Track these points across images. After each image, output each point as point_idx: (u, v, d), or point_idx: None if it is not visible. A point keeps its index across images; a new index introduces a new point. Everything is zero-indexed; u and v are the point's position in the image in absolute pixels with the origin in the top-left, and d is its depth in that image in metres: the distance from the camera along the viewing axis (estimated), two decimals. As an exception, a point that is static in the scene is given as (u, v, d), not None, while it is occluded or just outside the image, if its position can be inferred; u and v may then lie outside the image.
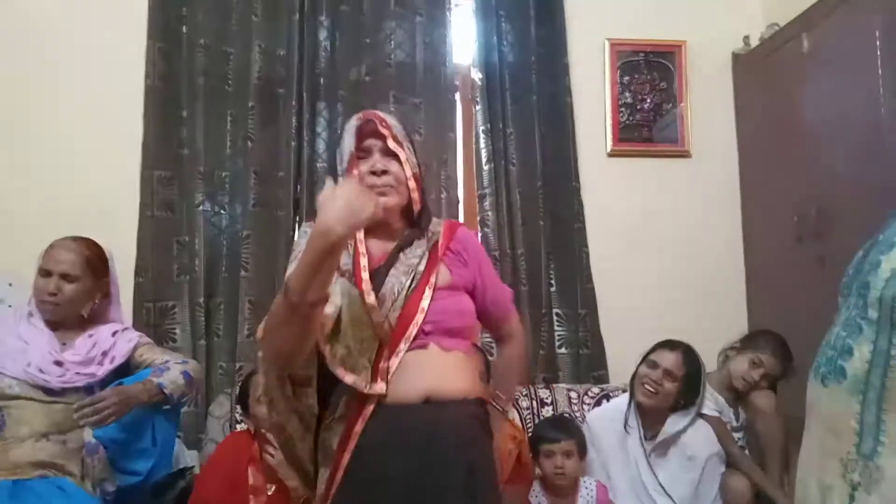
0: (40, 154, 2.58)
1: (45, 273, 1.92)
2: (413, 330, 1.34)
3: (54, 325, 1.94)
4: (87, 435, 1.87)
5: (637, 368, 2.22)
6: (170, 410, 1.95)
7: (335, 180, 1.31)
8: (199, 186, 2.61)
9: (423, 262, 1.40)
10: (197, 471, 2.22)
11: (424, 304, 1.36)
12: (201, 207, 2.61)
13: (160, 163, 2.61)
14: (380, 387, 1.30)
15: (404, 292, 1.36)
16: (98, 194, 2.56)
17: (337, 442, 1.30)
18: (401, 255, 1.41)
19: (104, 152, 2.60)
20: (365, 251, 1.38)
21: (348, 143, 1.39)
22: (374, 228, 1.38)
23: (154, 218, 2.58)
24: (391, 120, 1.43)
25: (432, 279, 1.39)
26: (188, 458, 2.30)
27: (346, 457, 1.28)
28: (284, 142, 2.68)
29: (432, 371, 1.36)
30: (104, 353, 1.93)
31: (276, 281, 2.63)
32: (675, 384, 2.14)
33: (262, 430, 1.90)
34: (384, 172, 1.38)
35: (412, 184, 1.41)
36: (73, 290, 1.93)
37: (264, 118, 2.67)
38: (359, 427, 1.29)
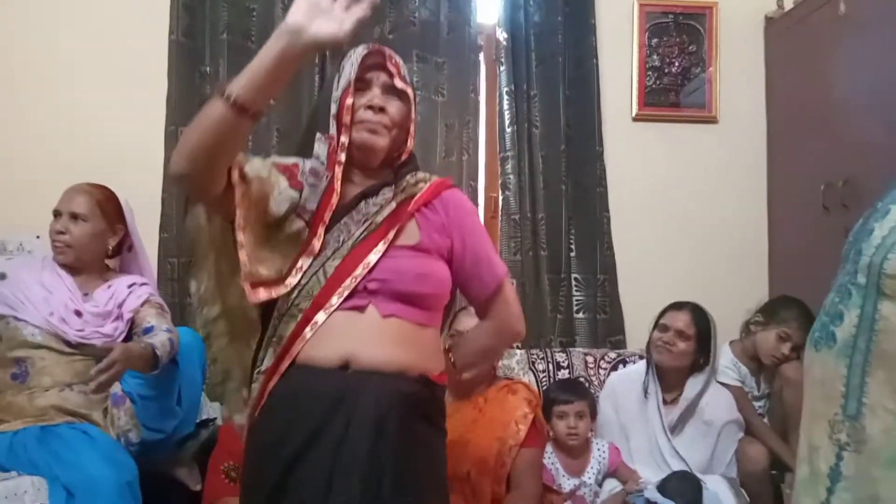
0: (65, 110, 2.59)
1: (56, 214, 1.95)
2: (350, 283, 1.20)
3: (75, 271, 1.96)
4: (114, 387, 1.92)
5: (650, 335, 2.24)
6: (197, 361, 1.99)
7: (324, 111, 1.27)
8: (222, 144, 2.62)
9: (384, 213, 1.27)
10: (220, 423, 2.28)
11: (372, 258, 1.22)
12: (224, 165, 2.62)
13: (184, 119, 2.60)
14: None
15: (350, 242, 1.24)
16: (123, 150, 2.58)
17: (257, 392, 1.23)
18: (362, 203, 1.28)
19: (129, 108, 2.61)
20: (339, 190, 1.25)
21: (348, 70, 1.27)
22: (352, 171, 1.29)
23: (178, 174, 2.59)
24: (398, 59, 1.32)
25: (391, 234, 1.25)
26: (210, 409, 2.36)
27: (256, 412, 1.22)
28: (307, 100, 2.67)
29: (360, 334, 1.20)
30: (120, 306, 1.94)
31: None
32: (688, 343, 2.16)
33: None
34: (381, 110, 1.26)
35: (412, 129, 1.32)
36: (82, 230, 1.93)
37: (287, 76, 2.66)
38: (272, 384, 1.21)
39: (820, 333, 1.16)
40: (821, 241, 2.51)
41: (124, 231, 2.04)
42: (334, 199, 1.25)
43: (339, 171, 1.25)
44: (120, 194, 2.07)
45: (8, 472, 1.71)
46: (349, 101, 1.25)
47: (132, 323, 1.95)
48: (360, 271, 1.22)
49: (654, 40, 2.90)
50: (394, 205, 1.29)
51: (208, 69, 2.64)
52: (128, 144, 2.59)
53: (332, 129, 1.26)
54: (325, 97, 1.30)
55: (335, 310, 1.20)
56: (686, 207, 2.88)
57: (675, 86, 2.91)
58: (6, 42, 2.58)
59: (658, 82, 2.90)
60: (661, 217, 2.87)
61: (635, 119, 2.89)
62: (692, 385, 2.19)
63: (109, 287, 1.97)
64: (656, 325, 2.24)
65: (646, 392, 2.21)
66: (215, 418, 2.31)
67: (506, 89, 2.76)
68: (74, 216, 1.94)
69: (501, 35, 2.81)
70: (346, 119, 1.24)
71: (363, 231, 1.25)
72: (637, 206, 2.85)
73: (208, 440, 2.16)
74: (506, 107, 2.77)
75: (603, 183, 2.81)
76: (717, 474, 2.13)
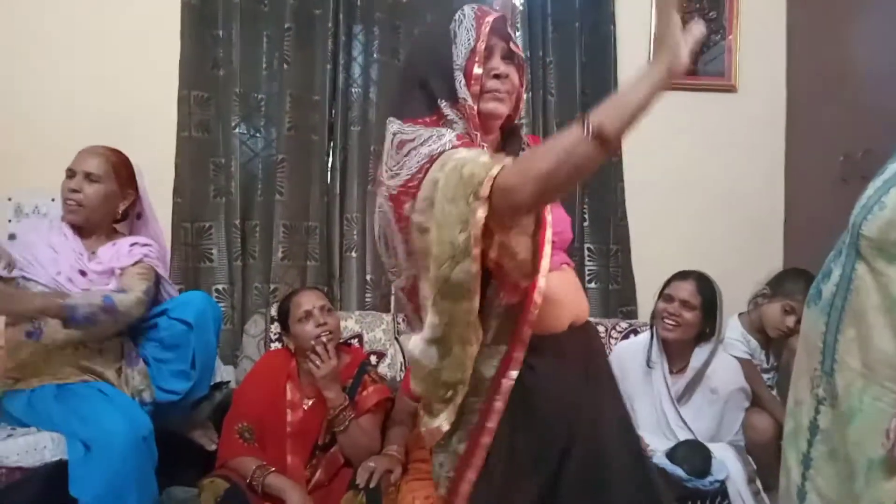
0: (79, 74, 2.58)
1: (70, 173, 1.96)
2: (548, 247, 1.20)
3: (84, 232, 1.97)
4: (128, 347, 1.95)
5: (655, 305, 2.23)
6: (212, 325, 2.01)
7: (441, 77, 1.20)
8: (235, 108, 2.61)
9: None
10: (233, 385, 2.31)
11: (547, 216, 1.21)
12: (237, 130, 2.62)
13: (197, 83, 2.60)
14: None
15: None
16: (136, 114, 2.57)
17: (495, 369, 1.18)
18: None
19: (142, 71, 2.60)
20: None
21: (466, 37, 1.22)
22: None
23: (191, 139, 2.59)
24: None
25: None
26: (224, 372, 2.39)
27: (507, 384, 1.17)
28: (320, 65, 2.65)
29: (569, 292, 1.28)
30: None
31: (309, 205, 2.66)
32: (693, 313, 2.15)
33: (313, 343, 1.96)
34: (505, 77, 1.24)
35: (523, 92, 1.31)
36: (95, 190, 1.95)
37: (300, 40, 2.63)
38: (518, 354, 1.17)
39: (813, 291, 1.18)
40: (838, 214, 2.45)
41: (135, 196, 2.05)
42: None
43: (480, 137, 1.23)
44: (133, 158, 2.07)
45: (28, 428, 1.76)
46: (478, 70, 1.21)
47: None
48: (548, 232, 1.20)
49: (674, 6, 2.84)
50: None
51: (221, 32, 2.62)
52: (141, 108, 2.59)
53: (469, 100, 1.20)
54: (435, 64, 1.23)
55: (548, 272, 1.20)
56: (702, 178, 2.85)
57: (694, 53, 2.85)
58: (21, 7, 2.57)
59: (676, 49, 2.84)
60: (677, 187, 2.84)
61: (652, 87, 2.84)
62: (699, 355, 2.18)
63: (114, 245, 1.98)
64: (661, 296, 2.23)
65: (649, 362, 2.21)
66: (229, 381, 2.35)
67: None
68: (88, 176, 1.95)
69: (518, 0, 2.77)
70: (476, 88, 1.21)
71: None
72: (652, 176, 2.83)
73: (222, 402, 2.20)
74: (521, 73, 2.73)
75: (618, 152, 2.78)
76: (724, 442, 2.14)
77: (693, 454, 1.99)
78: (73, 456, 1.67)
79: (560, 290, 1.24)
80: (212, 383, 2.21)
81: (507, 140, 1.32)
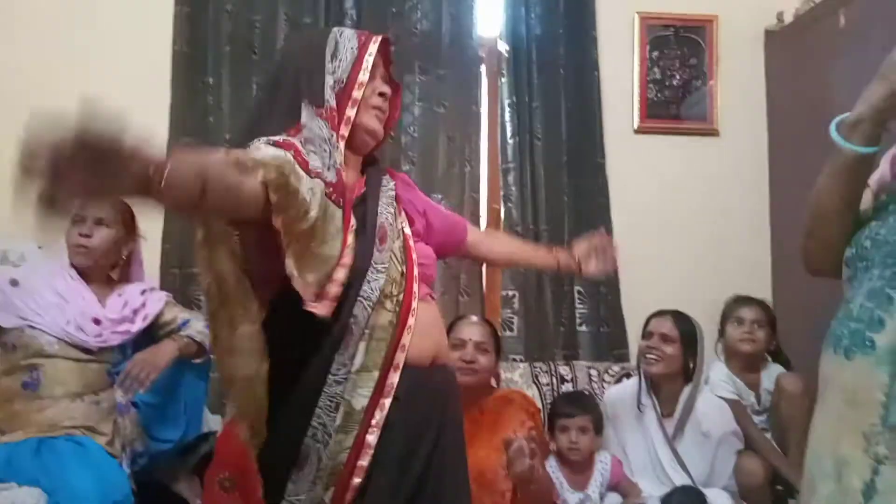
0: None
1: (78, 219, 1.93)
2: (418, 269, 1.17)
3: (87, 278, 1.95)
4: (119, 395, 1.91)
5: (639, 345, 2.24)
6: (200, 368, 1.99)
7: (316, 82, 1.14)
8: (225, 155, 2.62)
9: (394, 202, 1.24)
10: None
11: (412, 243, 1.20)
12: (226, 176, 2.62)
13: (187, 130, 2.61)
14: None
15: (397, 225, 1.20)
16: (125, 160, 2.57)
17: (366, 398, 1.10)
18: (381, 187, 1.23)
19: (133, 117, 2.60)
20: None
21: (350, 47, 1.18)
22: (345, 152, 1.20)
23: (180, 185, 2.59)
24: None
25: (401, 222, 1.24)
26: (212, 422, 2.34)
27: (381, 416, 1.10)
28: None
29: (435, 328, 1.22)
30: (135, 312, 1.95)
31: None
32: (674, 346, 2.16)
33: None
34: (386, 101, 1.24)
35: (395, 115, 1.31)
36: (105, 236, 1.94)
37: (290, 87, 2.66)
38: (392, 380, 1.12)
39: (851, 341, 1.09)
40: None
41: (134, 242, 2.05)
42: (348, 177, 1.16)
43: (342, 145, 1.15)
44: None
45: (7, 483, 1.70)
46: (363, 77, 1.17)
47: (156, 325, 2.01)
48: (415, 255, 1.18)
49: (655, 53, 2.91)
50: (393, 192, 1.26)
51: (211, 80, 2.65)
52: (131, 155, 2.59)
53: (333, 102, 1.14)
54: (310, 67, 1.17)
55: (419, 297, 1.17)
56: (688, 220, 2.88)
57: (677, 98, 2.92)
58: (10, 58, 2.59)
59: (659, 95, 2.91)
60: (664, 229, 2.87)
61: (637, 131, 2.89)
62: (686, 395, 2.18)
63: (121, 296, 1.98)
64: (643, 335, 2.24)
65: (639, 405, 2.19)
66: (216, 431, 2.29)
67: (507, 101, 2.77)
68: (99, 221, 1.93)
69: (503, 47, 2.82)
70: (357, 94, 1.16)
71: (395, 214, 1.22)
72: (639, 218, 2.85)
73: (209, 453, 2.14)
74: (507, 118, 2.77)
75: (605, 195, 2.81)
76: (718, 487, 2.11)
77: (689, 501, 1.96)
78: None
79: (426, 319, 1.17)
80: (199, 433, 2.17)
81: (368, 170, 1.27)
